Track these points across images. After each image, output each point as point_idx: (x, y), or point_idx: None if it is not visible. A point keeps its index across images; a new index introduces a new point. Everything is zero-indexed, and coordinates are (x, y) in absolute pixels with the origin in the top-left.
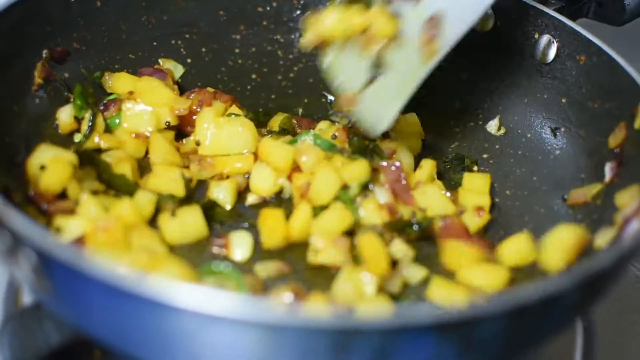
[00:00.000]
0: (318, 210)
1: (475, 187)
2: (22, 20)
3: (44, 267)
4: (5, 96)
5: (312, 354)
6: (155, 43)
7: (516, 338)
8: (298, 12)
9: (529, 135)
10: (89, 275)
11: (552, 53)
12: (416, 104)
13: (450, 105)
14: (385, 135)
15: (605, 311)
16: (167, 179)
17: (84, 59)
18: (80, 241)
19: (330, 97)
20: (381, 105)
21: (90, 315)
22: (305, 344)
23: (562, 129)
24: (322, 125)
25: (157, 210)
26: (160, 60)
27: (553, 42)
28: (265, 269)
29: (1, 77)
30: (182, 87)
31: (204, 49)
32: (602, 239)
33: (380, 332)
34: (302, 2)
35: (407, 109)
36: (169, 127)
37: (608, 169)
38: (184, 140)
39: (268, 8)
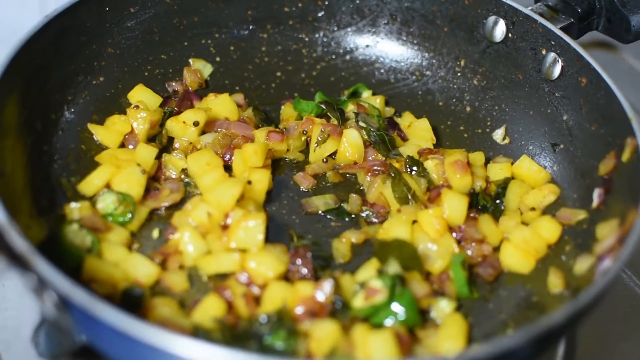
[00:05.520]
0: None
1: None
2: (59, 34)
3: (63, 305)
4: (44, 106)
5: None
6: (186, 43)
7: None
8: (322, 12)
9: (530, 148)
10: (100, 318)
11: (557, 71)
12: (429, 107)
13: (462, 109)
14: (402, 137)
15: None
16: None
17: (118, 62)
18: None
19: (344, 97)
20: None
21: (98, 340)
22: None
23: (561, 146)
24: None
25: None
26: (190, 60)
27: (558, 60)
28: None
29: (41, 89)
30: (211, 86)
31: (232, 48)
32: (581, 265)
33: None
34: (326, 2)
35: (420, 113)
36: None
37: (596, 195)
38: None
39: (294, 8)
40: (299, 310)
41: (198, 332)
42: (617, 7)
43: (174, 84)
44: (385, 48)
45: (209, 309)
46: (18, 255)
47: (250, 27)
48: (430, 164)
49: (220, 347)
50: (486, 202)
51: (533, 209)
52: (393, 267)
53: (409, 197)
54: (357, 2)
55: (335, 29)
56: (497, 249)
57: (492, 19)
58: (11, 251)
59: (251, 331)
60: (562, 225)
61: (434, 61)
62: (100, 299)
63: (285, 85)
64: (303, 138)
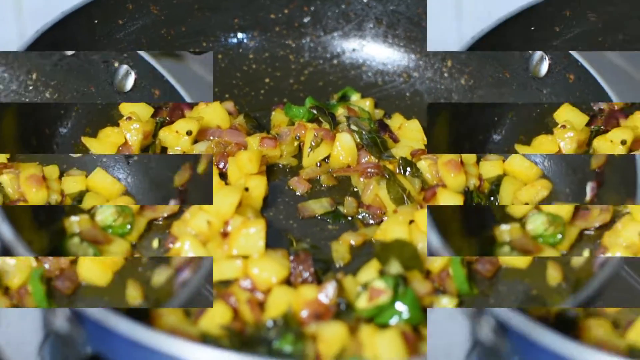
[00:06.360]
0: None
1: None
2: (49, 47)
3: (76, 319)
4: (38, 121)
5: None
6: None
7: None
8: (308, 18)
9: None
10: (114, 330)
11: (544, 68)
12: (417, 108)
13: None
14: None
15: None
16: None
17: None
18: None
19: (333, 101)
20: None
21: (110, 352)
22: None
23: None
24: None
25: None
26: None
27: (545, 58)
28: None
29: (34, 103)
30: None
31: (220, 56)
32: (578, 257)
33: None
34: (312, 8)
35: (409, 114)
36: None
37: (589, 189)
38: None
39: (280, 15)
40: (304, 313)
41: (206, 340)
42: None
43: None
44: (372, 51)
45: (216, 316)
46: None
47: (238, 34)
48: (423, 164)
49: (233, 352)
50: (480, 199)
51: (527, 204)
52: (395, 267)
53: (405, 197)
54: (343, 6)
55: (322, 34)
56: None
57: None
58: None
59: (259, 337)
60: None
61: (420, 62)
62: (112, 311)
63: (274, 91)
64: (296, 143)
